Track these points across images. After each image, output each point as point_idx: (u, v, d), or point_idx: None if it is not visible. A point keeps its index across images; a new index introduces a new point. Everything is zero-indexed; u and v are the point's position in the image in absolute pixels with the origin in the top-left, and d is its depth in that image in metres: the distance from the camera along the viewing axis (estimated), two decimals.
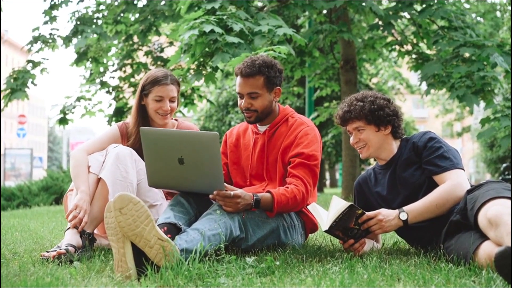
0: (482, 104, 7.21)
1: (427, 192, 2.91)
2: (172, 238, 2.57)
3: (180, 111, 8.10)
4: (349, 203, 2.81)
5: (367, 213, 2.88)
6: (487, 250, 2.43)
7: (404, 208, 2.88)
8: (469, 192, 2.72)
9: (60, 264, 2.74)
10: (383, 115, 3.07)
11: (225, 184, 2.85)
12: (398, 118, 3.12)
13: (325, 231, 2.84)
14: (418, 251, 3.00)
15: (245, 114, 3.26)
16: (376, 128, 3.09)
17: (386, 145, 3.12)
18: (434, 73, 6.89)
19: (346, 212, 2.81)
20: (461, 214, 2.69)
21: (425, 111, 51.43)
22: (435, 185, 2.93)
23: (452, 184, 2.86)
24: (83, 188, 3.18)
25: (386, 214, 2.87)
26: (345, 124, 3.16)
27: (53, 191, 12.04)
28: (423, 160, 3.00)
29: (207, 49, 5.44)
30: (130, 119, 3.57)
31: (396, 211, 2.87)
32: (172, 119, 3.61)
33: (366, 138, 3.10)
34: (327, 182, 21.35)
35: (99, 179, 3.23)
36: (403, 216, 2.85)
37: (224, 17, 5.35)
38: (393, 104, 3.15)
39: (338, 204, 2.84)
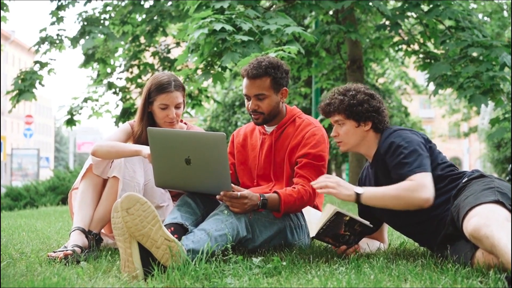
0: (489, 104, 7.18)
1: None
2: (179, 239, 2.57)
3: (187, 112, 8.10)
4: (336, 211, 2.78)
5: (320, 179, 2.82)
6: (481, 259, 2.45)
7: (366, 187, 2.83)
8: (454, 197, 2.70)
9: (67, 264, 2.75)
10: (361, 111, 2.97)
11: (232, 184, 2.85)
12: (379, 114, 3.01)
13: (313, 238, 2.83)
14: (425, 252, 2.99)
15: (252, 116, 3.24)
16: (355, 124, 3.00)
17: (366, 141, 3.02)
18: (442, 73, 6.86)
19: (333, 219, 2.79)
20: (452, 226, 2.67)
21: (431, 111, 51.17)
22: None
23: (416, 184, 2.72)
24: (137, 148, 3.14)
25: (344, 183, 2.81)
26: (328, 116, 3.09)
27: (60, 191, 12.05)
28: (389, 167, 2.90)
29: (215, 49, 5.43)
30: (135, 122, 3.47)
31: (357, 187, 2.82)
32: (181, 121, 3.58)
33: (345, 133, 3.02)
34: None
35: (103, 180, 3.23)
36: (359, 190, 2.78)
37: (233, 16, 5.34)
38: (376, 100, 3.03)
39: (327, 211, 2.82)
